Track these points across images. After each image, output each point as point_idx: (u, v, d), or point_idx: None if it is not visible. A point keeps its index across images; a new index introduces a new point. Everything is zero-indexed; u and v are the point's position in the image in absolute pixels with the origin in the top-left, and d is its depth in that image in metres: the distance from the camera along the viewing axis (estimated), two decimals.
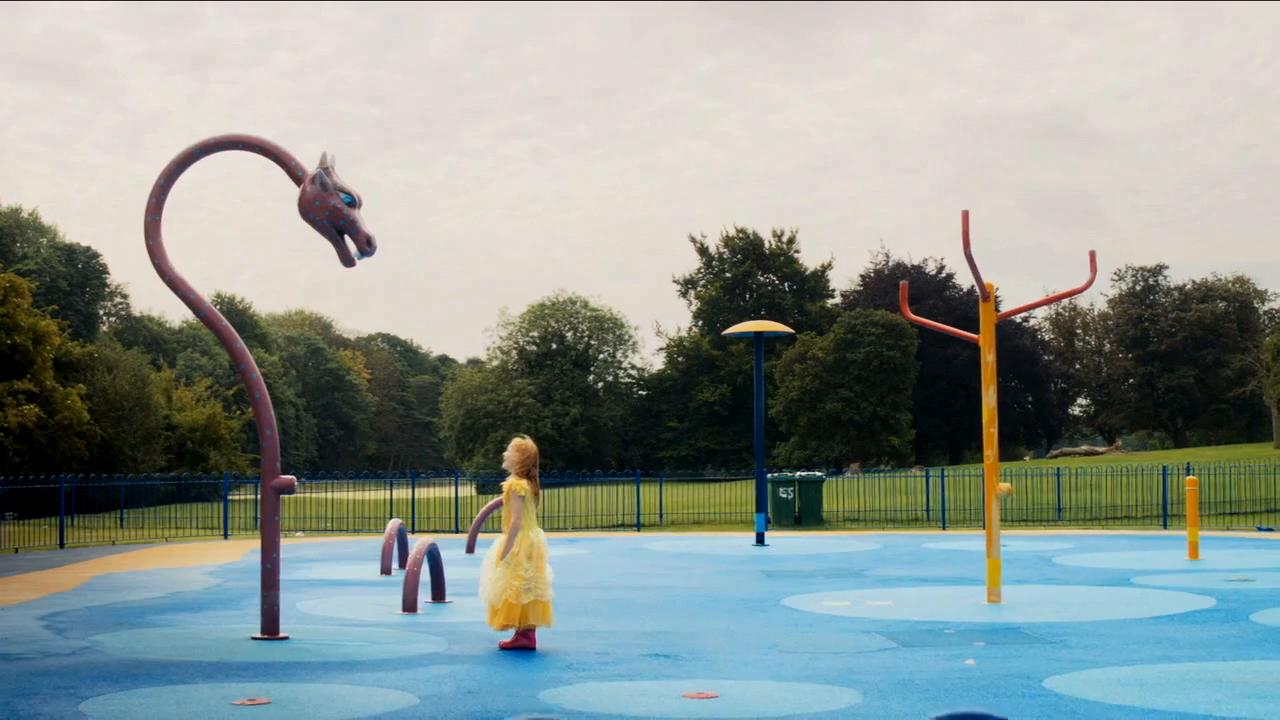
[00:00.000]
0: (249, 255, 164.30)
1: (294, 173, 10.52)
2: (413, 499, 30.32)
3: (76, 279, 66.06)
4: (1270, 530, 25.85)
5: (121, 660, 9.33)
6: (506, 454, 9.99)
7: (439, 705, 7.67)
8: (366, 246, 10.40)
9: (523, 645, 9.89)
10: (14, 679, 8.54)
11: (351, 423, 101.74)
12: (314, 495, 37.20)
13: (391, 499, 33.20)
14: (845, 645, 10.04)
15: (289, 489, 10.48)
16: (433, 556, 13.40)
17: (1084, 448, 71.51)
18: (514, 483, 9.81)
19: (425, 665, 9.21)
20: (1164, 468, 29.89)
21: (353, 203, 10.35)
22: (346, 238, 10.40)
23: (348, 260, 10.46)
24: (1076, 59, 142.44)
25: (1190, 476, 19.83)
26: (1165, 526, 27.70)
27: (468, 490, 43.55)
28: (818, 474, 31.56)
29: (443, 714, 7.43)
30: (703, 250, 77.22)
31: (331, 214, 10.26)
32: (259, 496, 31.37)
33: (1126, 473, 33.59)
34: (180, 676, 8.56)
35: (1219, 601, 12.72)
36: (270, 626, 10.45)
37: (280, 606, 10.65)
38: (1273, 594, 13.46)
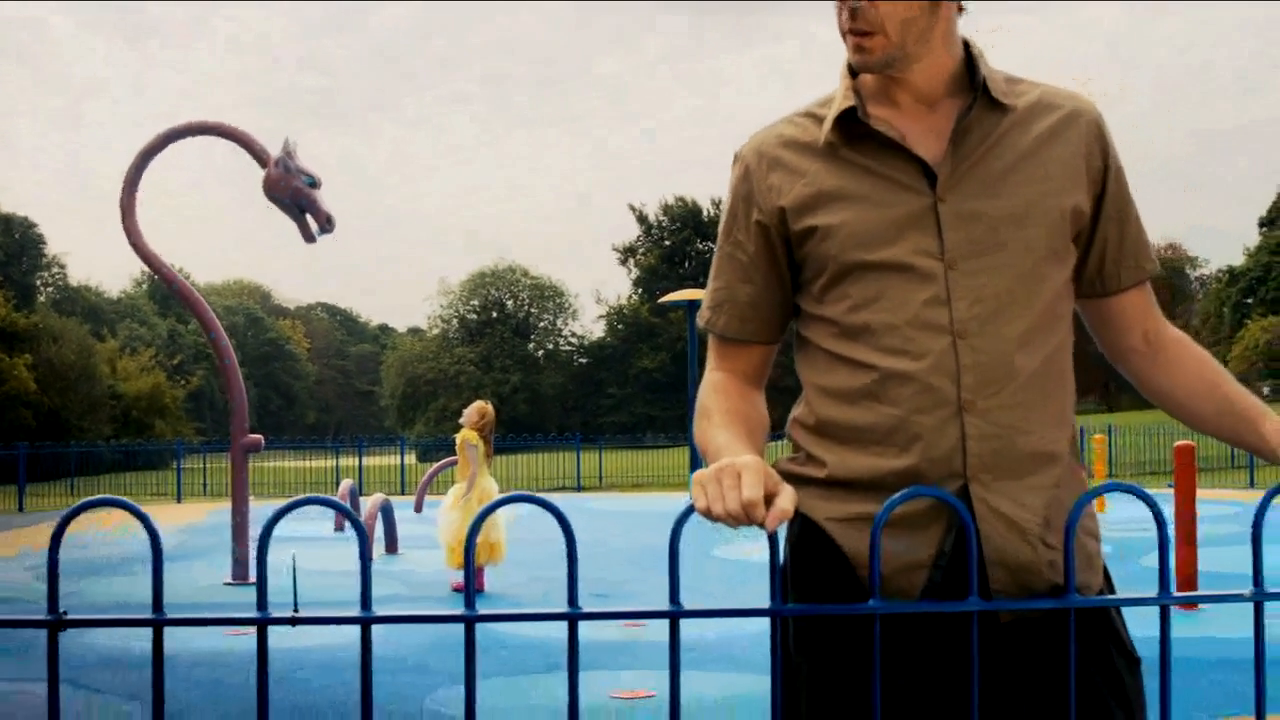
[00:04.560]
0: (186, 224, 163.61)
1: (259, 156, 11.41)
2: (360, 465, 31.18)
3: (13, 249, 66.12)
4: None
5: (110, 603, 10.26)
6: (466, 412, 10.96)
7: (397, 635, 8.66)
8: (326, 224, 11.34)
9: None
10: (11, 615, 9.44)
11: (291, 392, 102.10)
12: (259, 464, 38.02)
13: (338, 466, 34.05)
14: (764, 584, 11.08)
15: (256, 447, 11.42)
16: (385, 512, 14.34)
17: None
18: (466, 433, 10.79)
19: (384, 605, 10.18)
20: (1080, 428, 31.26)
21: (313, 184, 11.27)
22: (308, 216, 11.32)
23: (309, 237, 11.39)
24: (1020, 32, 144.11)
25: (1098, 435, 21.10)
26: None
27: (410, 458, 44.40)
28: None
29: (403, 641, 8.44)
30: (642, 219, 78.17)
31: (294, 194, 11.18)
32: (206, 465, 32.21)
33: None
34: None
35: (1113, 548, 13.87)
36: (241, 573, 11.40)
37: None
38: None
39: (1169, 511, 9.73)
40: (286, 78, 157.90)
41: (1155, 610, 1.87)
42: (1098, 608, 2.02)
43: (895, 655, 1.93)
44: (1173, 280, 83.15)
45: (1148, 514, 18.58)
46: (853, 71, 2.08)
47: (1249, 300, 71.02)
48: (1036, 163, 2.03)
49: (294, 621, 1.82)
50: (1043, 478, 1.99)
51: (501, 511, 10.85)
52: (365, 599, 1.80)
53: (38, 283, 71.39)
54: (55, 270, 75.86)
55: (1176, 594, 1.89)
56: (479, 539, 10.70)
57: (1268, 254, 70.24)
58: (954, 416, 1.96)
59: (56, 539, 1.80)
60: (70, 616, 1.81)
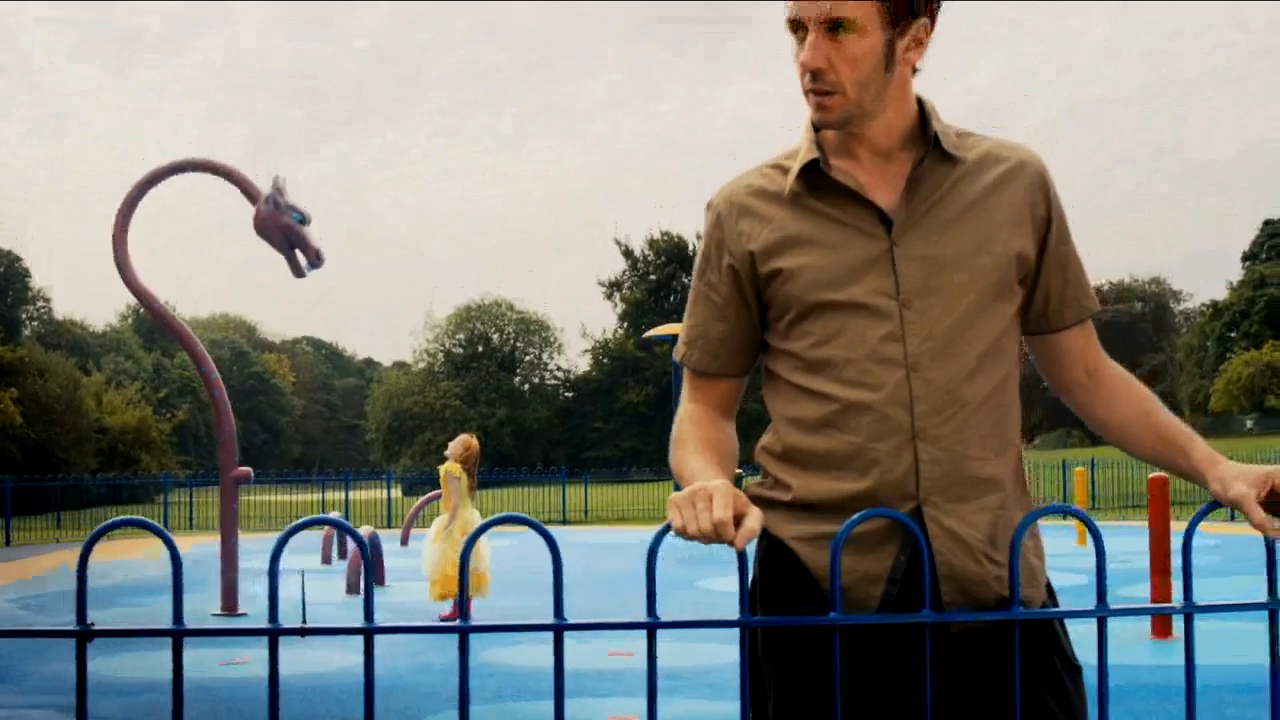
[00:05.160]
0: (172, 257, 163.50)
1: (249, 193, 11.58)
2: (346, 499, 31.25)
3: None
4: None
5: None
6: (451, 445, 11.13)
7: (390, 663, 8.80)
8: (315, 259, 11.52)
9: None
10: (13, 646, 9.57)
11: (276, 426, 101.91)
12: (244, 498, 38.06)
13: (324, 500, 34.13)
14: None
15: (246, 479, 11.56)
16: (373, 544, 14.46)
17: None
18: (449, 466, 10.96)
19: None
20: (1064, 462, 31.49)
21: (302, 220, 11.44)
22: (297, 251, 11.50)
23: (298, 272, 11.56)
24: (1002, 52, 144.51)
25: (1079, 468, 21.32)
26: (1064, 517, 29.26)
27: (396, 492, 44.44)
28: (737, 471, 32.84)
29: (393, 669, 8.57)
30: (627, 253, 78.38)
31: (284, 230, 11.36)
32: (192, 499, 32.30)
33: (1032, 467, 35.32)
34: (161, 644, 9.60)
35: (1089, 579, 14.04)
36: (230, 603, 11.52)
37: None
38: (1140, 574, 14.83)
39: (1144, 542, 9.93)
40: (269, 100, 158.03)
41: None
42: (1041, 619, 2.19)
43: (855, 663, 2.09)
44: (1156, 314, 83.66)
45: (1129, 547, 18.82)
46: (816, 127, 2.26)
47: (1233, 334, 71.50)
48: (984, 210, 2.21)
49: (303, 632, 1.98)
50: (989, 500, 2.17)
51: (485, 544, 10.98)
52: (368, 610, 1.96)
53: (23, 316, 71.33)
54: (40, 304, 75.85)
55: (1113, 607, 2.07)
56: None
57: (1251, 288, 70.74)
58: (908, 443, 2.13)
59: (84, 557, 1.96)
60: (97, 628, 1.97)
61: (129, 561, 19.19)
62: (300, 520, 2.06)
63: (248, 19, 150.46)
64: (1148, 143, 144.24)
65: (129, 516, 2.04)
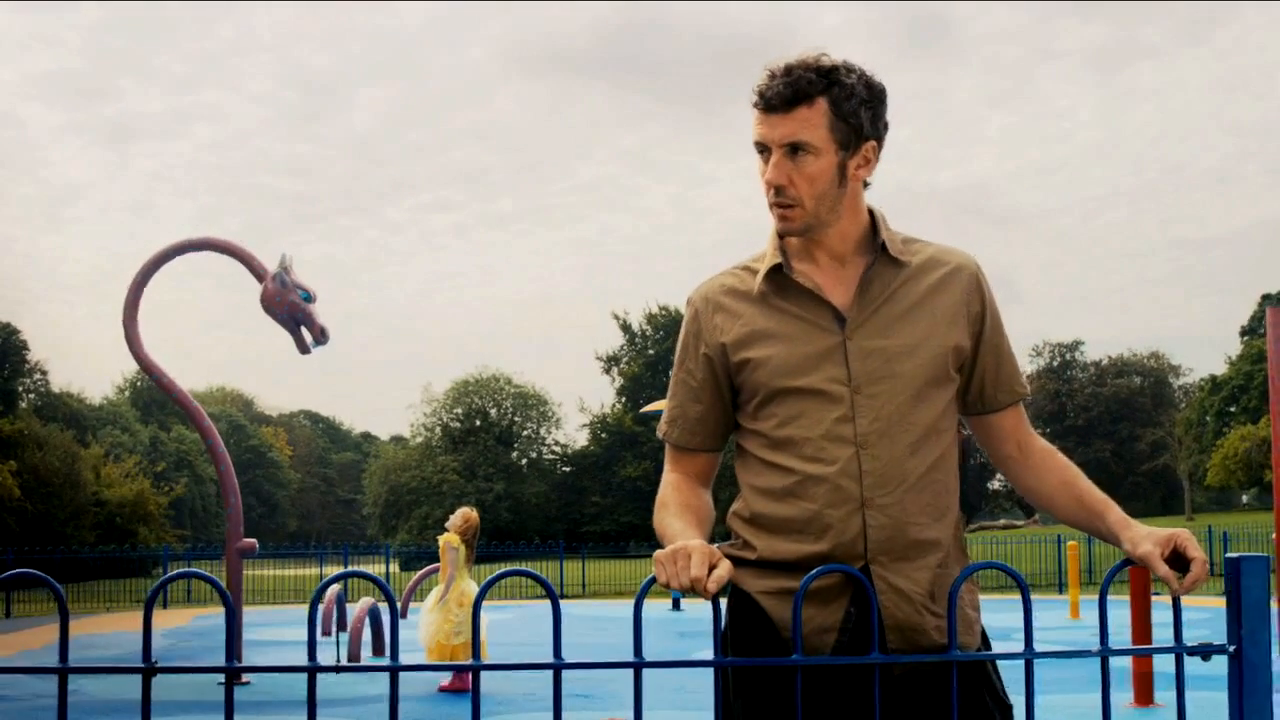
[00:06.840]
0: (170, 330, 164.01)
1: (257, 271, 11.96)
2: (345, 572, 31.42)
3: None
4: (1158, 594, 27.58)
5: (109, 700, 10.63)
6: (452, 518, 11.40)
7: None
8: (320, 337, 11.87)
9: (459, 687, 11.23)
10: (17, 714, 9.83)
11: (273, 500, 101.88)
12: (244, 571, 38.01)
13: (322, 573, 34.23)
14: None
15: (251, 551, 11.85)
16: (373, 615, 14.70)
17: (1002, 521, 73.29)
18: (448, 537, 11.23)
19: (374, 703, 10.55)
20: (1059, 536, 31.74)
21: (309, 298, 11.81)
22: (303, 329, 11.85)
23: (304, 349, 11.92)
24: (997, 135, 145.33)
25: (1071, 543, 21.59)
26: (1060, 591, 29.48)
27: (394, 566, 44.52)
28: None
29: None
30: (626, 327, 78.78)
31: (290, 308, 11.72)
32: (185, 568, 32.37)
33: (1033, 542, 35.58)
34: (166, 711, 9.88)
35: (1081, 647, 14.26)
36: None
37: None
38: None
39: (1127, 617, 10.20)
40: (266, 180, 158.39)
41: None
42: (975, 662, 2.52)
43: (811, 701, 2.42)
44: (1155, 388, 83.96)
45: (1118, 620, 18.94)
46: (780, 235, 2.61)
47: (1231, 408, 71.82)
48: (926, 309, 2.57)
49: (338, 669, 2.30)
50: (928, 559, 2.51)
51: (482, 616, 11.18)
52: (394, 651, 2.28)
53: (20, 389, 71.40)
54: (37, 377, 75.95)
55: (1038, 651, 2.39)
56: (459, 642, 11.06)
57: (1249, 363, 71.14)
58: (857, 511, 2.47)
59: (149, 603, 2.28)
60: (160, 665, 2.29)
61: (134, 633, 19.39)
62: (340, 572, 2.38)
63: (243, 107, 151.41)
64: (1145, 221, 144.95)
65: (190, 570, 2.37)
